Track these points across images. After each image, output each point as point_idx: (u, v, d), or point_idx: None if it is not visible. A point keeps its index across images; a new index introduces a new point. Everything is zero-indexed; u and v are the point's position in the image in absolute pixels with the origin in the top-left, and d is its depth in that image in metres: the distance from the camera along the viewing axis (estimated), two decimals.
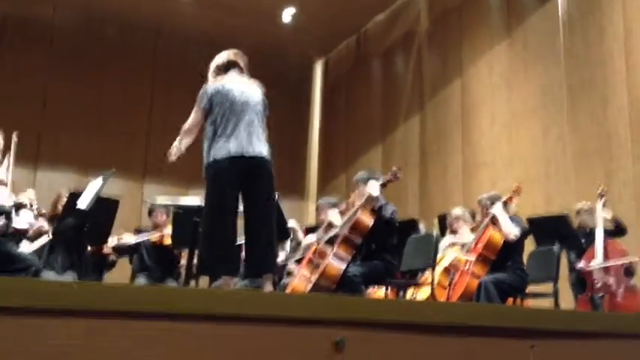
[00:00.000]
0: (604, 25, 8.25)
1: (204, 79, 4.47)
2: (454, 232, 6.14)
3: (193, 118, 4.36)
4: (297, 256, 5.83)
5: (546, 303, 5.26)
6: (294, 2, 11.79)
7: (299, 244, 6.42)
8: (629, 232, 6.63)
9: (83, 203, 5.17)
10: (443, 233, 6.41)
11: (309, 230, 6.67)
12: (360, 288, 4.81)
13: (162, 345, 2.14)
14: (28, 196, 5.96)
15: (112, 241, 6.50)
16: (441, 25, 10.97)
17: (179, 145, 4.42)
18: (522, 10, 9.50)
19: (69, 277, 5.82)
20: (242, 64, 4.51)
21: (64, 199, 5.81)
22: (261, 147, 4.24)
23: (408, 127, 11.33)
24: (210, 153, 4.20)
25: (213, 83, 4.38)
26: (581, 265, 6.06)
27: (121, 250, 6.67)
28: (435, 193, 10.43)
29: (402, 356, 2.43)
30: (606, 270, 5.87)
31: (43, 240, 5.95)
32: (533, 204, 8.02)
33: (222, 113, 4.23)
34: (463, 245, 5.74)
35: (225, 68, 4.46)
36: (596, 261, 5.91)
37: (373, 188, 5.01)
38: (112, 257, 6.62)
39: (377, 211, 4.94)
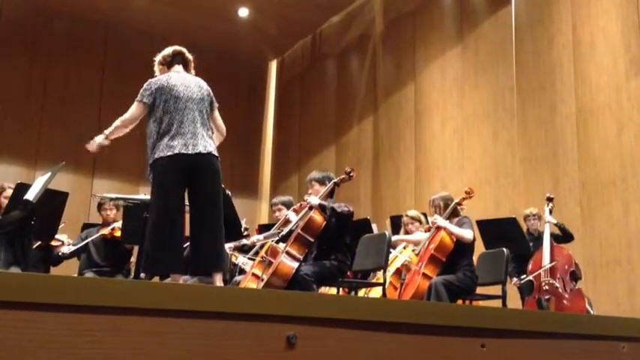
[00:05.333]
0: (553, 34, 8.45)
1: (155, 73, 4.42)
2: (408, 232, 6.19)
3: (133, 111, 4.28)
4: (250, 254, 5.78)
5: (495, 304, 5.34)
6: (250, 1, 11.73)
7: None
8: (574, 237, 6.81)
9: (31, 195, 5.01)
10: (395, 234, 6.44)
11: (262, 228, 6.63)
12: (312, 287, 4.79)
13: (108, 341, 2.08)
14: None
15: (62, 238, 6.34)
16: (396, 28, 11.07)
17: (107, 136, 4.32)
18: (475, 17, 9.65)
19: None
20: (188, 58, 4.48)
21: (9, 191, 5.62)
22: (205, 143, 4.20)
23: (361, 129, 11.39)
24: (155, 152, 4.14)
25: (158, 77, 4.33)
26: (515, 280, 6.22)
27: (72, 253, 6.51)
28: (387, 195, 10.51)
29: (354, 353, 2.42)
30: (553, 274, 6.00)
31: None
32: (482, 207, 8.16)
33: (166, 110, 4.18)
34: (416, 245, 5.80)
35: (170, 60, 4.41)
36: (543, 263, 6.04)
37: (313, 199, 5.02)
38: (65, 250, 6.42)
39: (328, 212, 4.93)
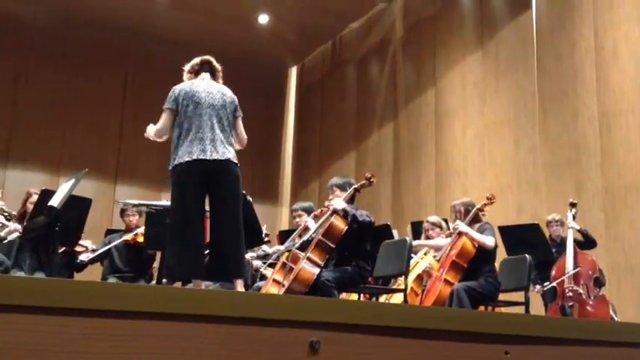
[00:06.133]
0: (575, 38, 8.38)
1: (178, 81, 4.47)
2: (429, 238, 6.16)
3: (163, 121, 4.34)
4: (271, 260, 5.80)
5: (517, 311, 5.29)
6: (270, 8, 11.77)
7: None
8: (597, 243, 6.73)
9: (55, 201, 5.07)
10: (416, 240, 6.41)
11: (283, 234, 6.64)
12: (333, 293, 4.79)
13: (132, 345, 2.10)
14: None
15: (86, 243, 6.40)
16: (416, 34, 11.05)
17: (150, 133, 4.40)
18: (495, 21, 9.60)
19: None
20: (215, 67, 4.52)
21: (34, 197, 5.68)
22: (224, 149, 4.22)
23: (381, 135, 11.37)
24: (174, 156, 4.19)
25: (182, 83, 4.39)
26: (538, 287, 6.14)
27: (93, 260, 6.57)
28: (408, 201, 10.47)
29: (376, 359, 2.42)
30: (576, 280, 5.94)
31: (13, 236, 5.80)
32: (504, 213, 8.10)
33: (187, 115, 4.23)
34: (437, 251, 5.77)
35: (198, 69, 4.47)
36: (566, 269, 5.98)
37: (337, 202, 5.01)
38: (83, 258, 6.46)
39: (350, 218, 4.93)
